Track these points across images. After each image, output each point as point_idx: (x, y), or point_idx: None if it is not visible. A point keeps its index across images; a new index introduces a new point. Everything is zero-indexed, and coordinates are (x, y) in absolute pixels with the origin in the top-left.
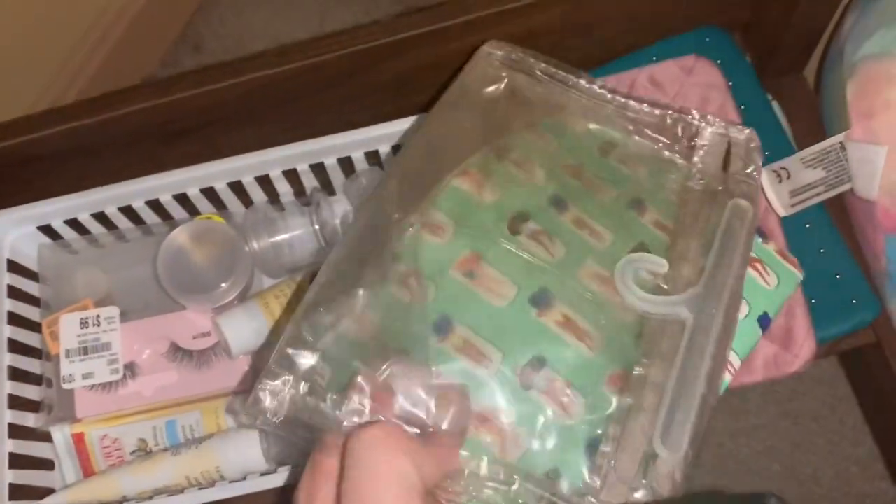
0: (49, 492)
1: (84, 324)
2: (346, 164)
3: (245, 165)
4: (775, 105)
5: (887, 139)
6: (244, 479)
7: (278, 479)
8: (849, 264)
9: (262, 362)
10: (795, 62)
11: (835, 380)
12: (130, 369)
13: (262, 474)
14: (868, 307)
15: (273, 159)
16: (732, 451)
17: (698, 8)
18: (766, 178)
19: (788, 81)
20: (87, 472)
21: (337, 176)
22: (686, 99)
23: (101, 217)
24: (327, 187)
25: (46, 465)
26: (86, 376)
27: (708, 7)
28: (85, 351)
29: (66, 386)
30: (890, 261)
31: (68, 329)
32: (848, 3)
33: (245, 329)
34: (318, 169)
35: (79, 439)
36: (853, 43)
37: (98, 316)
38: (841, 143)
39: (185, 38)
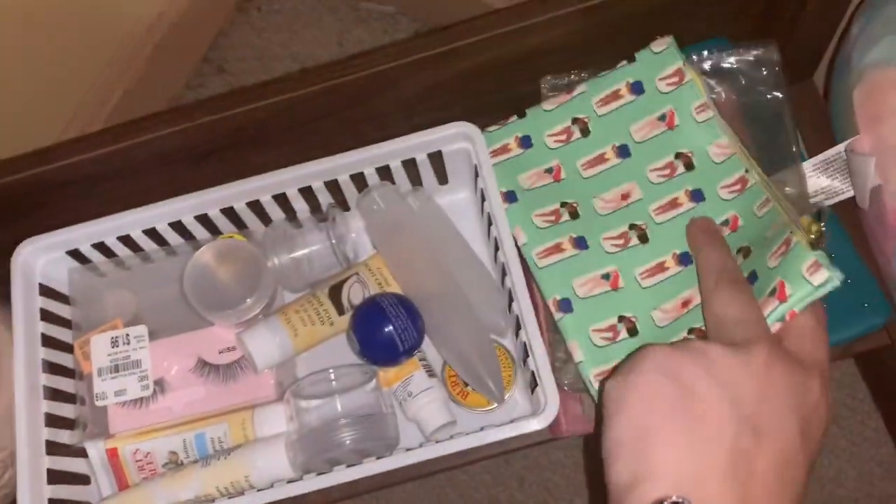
0: None
1: (114, 343)
2: (360, 180)
3: (263, 185)
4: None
5: (894, 144)
6: (272, 486)
7: (304, 486)
8: (860, 269)
9: (285, 375)
10: (803, 69)
11: (854, 381)
12: (160, 385)
13: (289, 482)
14: (880, 311)
15: (289, 178)
16: None
17: (705, 20)
18: None
19: (798, 89)
20: (122, 485)
21: (351, 191)
22: None
23: (126, 240)
24: (342, 203)
25: (83, 479)
26: (117, 393)
27: (714, 19)
28: (116, 369)
29: (99, 403)
30: None
31: (99, 348)
32: (854, 10)
33: (268, 344)
34: (333, 186)
35: (112, 454)
36: (860, 50)
37: (127, 335)
38: (845, 150)
39: (208, 59)
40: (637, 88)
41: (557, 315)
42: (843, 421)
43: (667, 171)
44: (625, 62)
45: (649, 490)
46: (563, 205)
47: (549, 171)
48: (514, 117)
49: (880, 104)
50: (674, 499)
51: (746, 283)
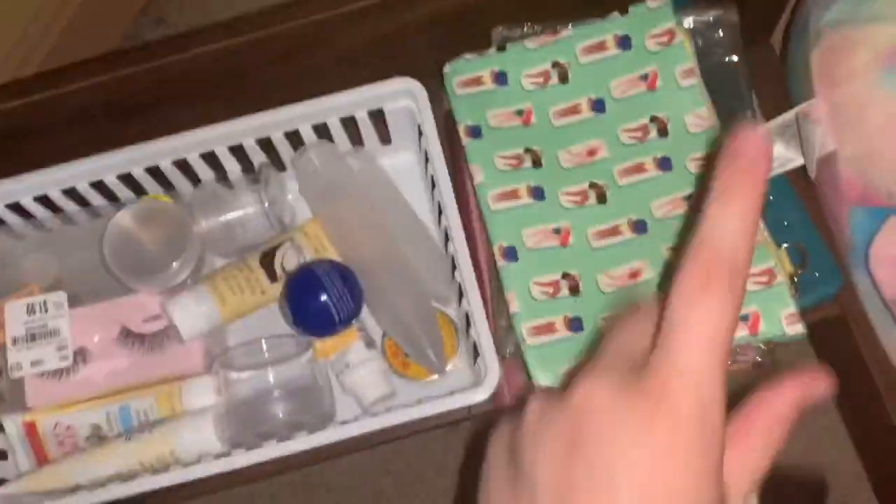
0: (1, 482)
1: (31, 310)
2: (296, 139)
3: (190, 142)
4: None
5: (850, 109)
6: (199, 461)
7: (233, 461)
8: (812, 237)
9: (215, 345)
10: (761, 31)
11: (804, 353)
12: (81, 355)
13: (217, 457)
14: (831, 280)
15: (218, 135)
16: None
17: None
18: None
19: (755, 51)
20: (41, 460)
21: (286, 151)
22: None
23: (45, 201)
24: (277, 163)
25: None
26: (34, 364)
27: None
28: (33, 338)
29: (13, 375)
30: (854, 232)
31: (14, 316)
32: None
33: (194, 313)
34: (267, 144)
35: (31, 428)
36: (817, 10)
37: (45, 302)
38: (797, 116)
39: (147, 11)
40: (624, 43)
41: (501, 262)
42: None
43: (639, 134)
44: (616, 13)
45: None
46: (528, 150)
47: (519, 112)
48: (493, 49)
49: (837, 67)
50: None
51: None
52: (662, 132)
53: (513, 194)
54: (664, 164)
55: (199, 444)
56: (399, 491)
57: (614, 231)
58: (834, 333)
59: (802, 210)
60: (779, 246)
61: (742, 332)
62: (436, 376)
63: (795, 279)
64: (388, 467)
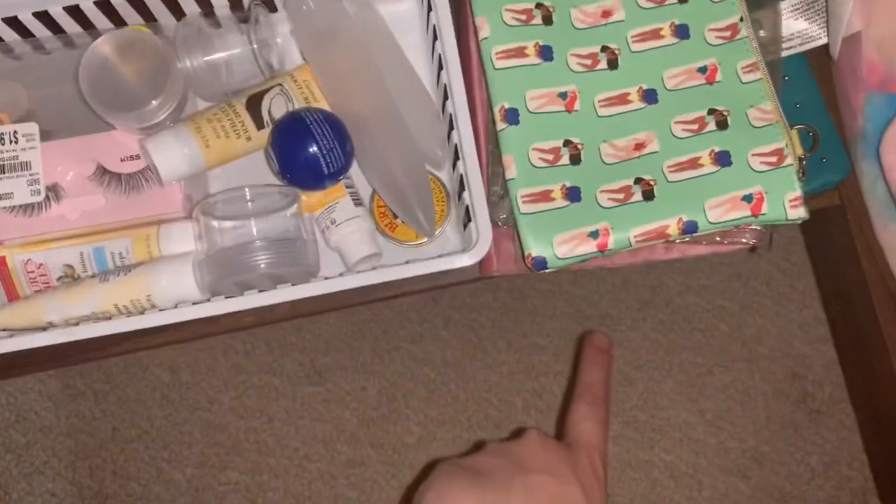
0: None
1: None
2: None
3: None
4: None
5: None
6: (175, 307)
7: (211, 308)
8: (824, 121)
9: (196, 191)
10: None
11: (790, 244)
12: (54, 192)
13: (195, 304)
14: (837, 168)
15: None
16: (681, 308)
17: None
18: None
19: None
20: (12, 296)
21: None
22: None
23: (15, 23)
24: (268, 3)
25: None
26: (4, 196)
27: None
28: (2, 169)
29: None
30: (867, 119)
31: None
32: None
33: (175, 154)
34: None
35: (1, 263)
36: None
37: (15, 132)
38: None
39: None
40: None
41: (501, 125)
42: (773, 282)
43: None
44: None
45: None
46: (539, 6)
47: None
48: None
49: None
50: None
51: (604, 404)
52: None
53: (519, 52)
54: (681, 31)
55: (176, 290)
56: (374, 356)
57: (623, 99)
58: (829, 224)
59: (817, 93)
60: (791, 127)
61: (744, 213)
62: (424, 240)
63: (804, 162)
64: (365, 333)
